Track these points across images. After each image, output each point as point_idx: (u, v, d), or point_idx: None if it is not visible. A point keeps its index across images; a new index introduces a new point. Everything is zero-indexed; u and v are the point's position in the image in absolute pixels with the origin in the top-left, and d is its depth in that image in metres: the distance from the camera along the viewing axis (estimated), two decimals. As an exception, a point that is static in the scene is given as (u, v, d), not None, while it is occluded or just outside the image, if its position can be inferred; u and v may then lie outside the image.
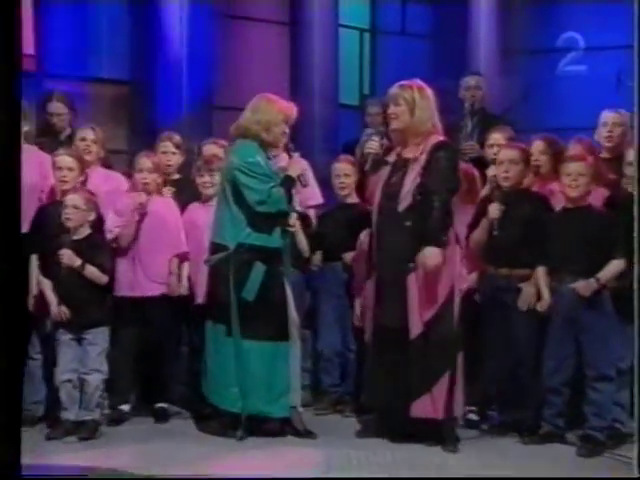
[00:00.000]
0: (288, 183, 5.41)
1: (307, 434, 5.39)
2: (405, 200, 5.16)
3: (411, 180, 5.18)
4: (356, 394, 5.91)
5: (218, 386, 5.39)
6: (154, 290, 5.83)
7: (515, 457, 5.01)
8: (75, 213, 5.38)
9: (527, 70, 10.28)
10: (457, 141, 6.61)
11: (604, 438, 5.07)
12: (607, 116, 5.91)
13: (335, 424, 5.72)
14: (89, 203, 5.44)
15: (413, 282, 5.14)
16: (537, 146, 5.67)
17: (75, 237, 5.39)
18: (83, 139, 6.06)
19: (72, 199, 5.39)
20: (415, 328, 5.12)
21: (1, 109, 3.48)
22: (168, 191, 6.11)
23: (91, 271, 5.39)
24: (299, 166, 5.46)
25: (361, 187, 5.55)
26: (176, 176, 6.27)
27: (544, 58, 10.47)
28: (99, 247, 5.54)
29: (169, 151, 6.29)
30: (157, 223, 5.84)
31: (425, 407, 5.14)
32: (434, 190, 5.08)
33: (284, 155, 5.68)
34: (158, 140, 6.40)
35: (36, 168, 5.91)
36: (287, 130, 5.51)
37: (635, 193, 4.10)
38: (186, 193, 6.15)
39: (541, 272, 5.22)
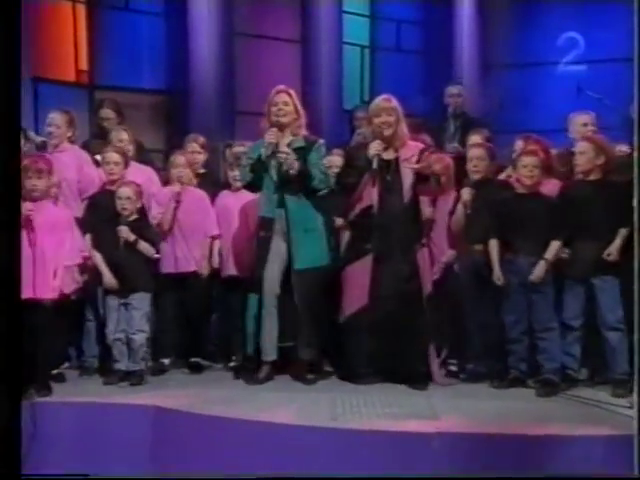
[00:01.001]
0: (256, 163, 5.56)
1: (311, 382, 5.58)
2: (408, 194, 5.47)
3: (409, 178, 5.46)
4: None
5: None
6: (190, 267, 6.04)
7: (486, 398, 5.21)
8: (129, 203, 5.62)
9: (503, 81, 10.36)
10: (442, 140, 6.75)
11: (558, 380, 5.28)
12: (586, 117, 6.09)
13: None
14: (137, 193, 5.67)
15: (422, 257, 5.51)
16: (518, 144, 5.87)
17: (127, 220, 5.63)
18: (121, 140, 6.20)
19: (125, 192, 5.63)
20: (427, 291, 5.50)
21: (2, 114, 3.30)
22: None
23: (143, 245, 5.63)
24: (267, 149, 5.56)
25: (346, 177, 5.69)
26: (202, 170, 6.41)
27: (518, 71, 10.59)
28: (147, 227, 5.77)
29: (195, 150, 6.39)
30: (191, 210, 6.05)
31: (430, 355, 5.50)
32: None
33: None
34: (186, 141, 6.51)
35: (74, 162, 6.08)
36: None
37: (635, 186, 4.04)
38: (210, 184, 6.33)
39: (492, 245, 5.42)
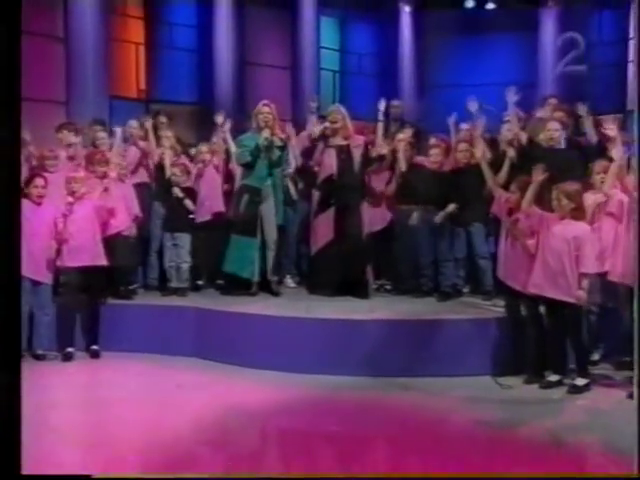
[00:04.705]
0: (254, 149, 6.20)
1: (278, 294, 6.32)
2: (357, 166, 6.29)
3: (358, 157, 6.28)
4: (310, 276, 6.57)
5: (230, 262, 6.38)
6: (209, 216, 6.68)
7: (407, 303, 6.01)
8: (177, 176, 6.58)
9: (435, 97, 11.15)
10: (386, 137, 7.22)
11: (451, 292, 6.21)
12: (465, 126, 6.58)
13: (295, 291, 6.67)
14: (182, 171, 6.61)
15: (365, 208, 6.33)
16: (432, 140, 6.50)
17: (179, 186, 6.53)
18: (168, 137, 6.75)
19: (175, 170, 6.56)
20: (366, 231, 6.24)
21: (5, 128, 3.03)
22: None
23: (187, 201, 6.60)
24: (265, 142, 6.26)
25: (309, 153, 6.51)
26: (223, 156, 6.86)
27: (446, 90, 11.25)
28: (192, 192, 6.68)
29: (219, 142, 6.87)
30: (210, 180, 6.73)
31: (368, 273, 6.31)
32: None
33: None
34: (213, 134, 7.01)
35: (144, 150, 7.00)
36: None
37: (635, 194, 4.05)
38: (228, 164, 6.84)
39: (419, 208, 6.26)
